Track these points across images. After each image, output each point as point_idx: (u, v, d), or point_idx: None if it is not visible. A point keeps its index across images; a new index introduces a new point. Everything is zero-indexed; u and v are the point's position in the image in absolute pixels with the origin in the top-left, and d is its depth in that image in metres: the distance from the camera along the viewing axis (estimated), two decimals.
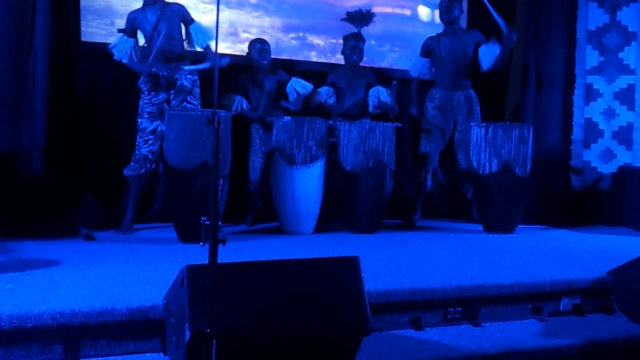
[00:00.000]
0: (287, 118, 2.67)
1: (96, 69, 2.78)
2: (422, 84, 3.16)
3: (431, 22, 3.36)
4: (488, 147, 2.79)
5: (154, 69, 2.49)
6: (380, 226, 2.78)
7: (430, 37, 3.03)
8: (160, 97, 2.53)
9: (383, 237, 2.63)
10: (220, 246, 1.15)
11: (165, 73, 2.52)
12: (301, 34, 2.99)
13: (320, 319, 1.30)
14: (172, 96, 2.55)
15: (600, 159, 3.30)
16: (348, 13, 2.98)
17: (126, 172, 2.52)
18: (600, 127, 3.31)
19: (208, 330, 1.12)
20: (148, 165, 2.52)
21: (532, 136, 2.83)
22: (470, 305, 1.75)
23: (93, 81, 2.76)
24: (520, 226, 2.88)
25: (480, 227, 2.89)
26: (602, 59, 3.28)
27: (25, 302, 1.43)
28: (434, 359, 1.49)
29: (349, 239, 2.56)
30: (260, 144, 2.79)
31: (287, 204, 2.63)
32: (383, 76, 3.13)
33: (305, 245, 2.36)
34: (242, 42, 2.87)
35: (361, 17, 2.96)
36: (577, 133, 3.28)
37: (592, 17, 3.27)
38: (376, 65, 3.14)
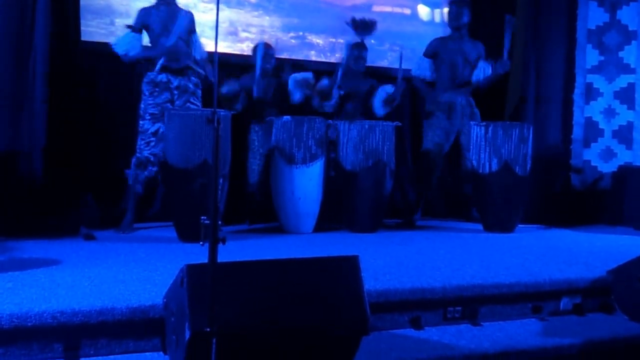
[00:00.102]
0: (287, 117, 2.67)
1: (96, 68, 2.78)
2: (425, 83, 3.17)
3: (431, 22, 3.37)
4: (488, 147, 2.79)
5: (163, 62, 2.45)
6: (380, 225, 2.78)
7: (437, 39, 3.04)
8: (163, 96, 2.53)
9: (383, 237, 2.63)
10: (220, 245, 1.15)
11: (176, 64, 2.50)
12: (301, 33, 3.00)
13: (319, 318, 1.30)
14: (176, 96, 2.55)
15: (601, 158, 3.30)
16: (353, 20, 2.97)
17: (130, 180, 2.52)
18: (601, 126, 3.31)
19: (208, 330, 1.12)
20: (150, 168, 2.51)
21: (532, 135, 2.83)
22: (470, 304, 1.75)
23: (93, 81, 2.76)
24: (520, 225, 2.88)
25: (480, 227, 2.89)
26: (602, 58, 3.28)
27: (25, 301, 1.43)
28: (434, 359, 1.49)
29: (348, 238, 2.56)
30: (258, 145, 2.79)
31: (286, 203, 2.63)
32: (383, 75, 3.13)
33: (304, 245, 2.36)
34: (241, 41, 2.87)
35: (364, 27, 2.96)
36: (577, 132, 3.28)
37: (592, 16, 3.27)
38: (376, 65, 3.14)
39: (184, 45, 2.56)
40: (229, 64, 2.86)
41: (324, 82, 2.85)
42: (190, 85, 2.59)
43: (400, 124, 2.87)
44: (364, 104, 3.00)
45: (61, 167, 2.50)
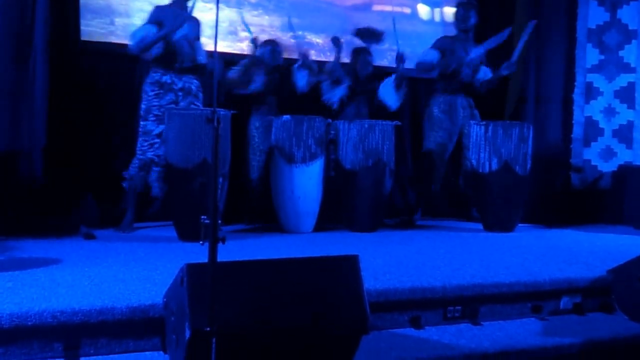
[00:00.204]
0: (286, 117, 2.67)
1: (96, 68, 2.78)
2: (424, 83, 3.17)
3: (430, 21, 3.36)
4: (488, 146, 2.79)
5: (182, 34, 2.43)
6: (379, 225, 2.78)
7: (447, 37, 3.03)
8: (167, 98, 2.53)
9: (382, 236, 2.63)
10: (219, 245, 1.15)
11: (186, 47, 2.49)
12: (300, 32, 2.99)
13: (319, 318, 1.30)
14: (180, 98, 2.56)
15: (601, 157, 3.30)
16: (358, 30, 2.97)
17: (125, 183, 2.50)
18: (601, 125, 3.31)
19: (208, 329, 1.12)
20: (154, 168, 2.50)
21: (532, 135, 2.83)
22: (470, 304, 1.75)
23: (93, 80, 2.76)
24: (520, 225, 2.88)
25: (480, 226, 2.89)
26: (602, 57, 3.28)
27: (25, 301, 1.44)
28: (434, 358, 1.49)
29: (348, 238, 2.56)
30: (259, 142, 2.79)
31: (286, 202, 2.63)
32: (382, 75, 3.12)
33: (304, 244, 2.36)
34: (241, 40, 2.87)
35: (371, 36, 2.95)
36: (577, 131, 3.28)
37: (593, 15, 3.26)
38: (376, 64, 3.14)
39: (188, 47, 2.56)
40: (228, 64, 2.86)
41: (331, 64, 2.86)
42: (193, 88, 2.60)
43: (400, 123, 2.87)
44: (368, 106, 2.98)
45: (61, 166, 2.50)
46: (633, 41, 3.25)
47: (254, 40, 2.82)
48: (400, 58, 2.88)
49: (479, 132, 2.83)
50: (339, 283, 1.34)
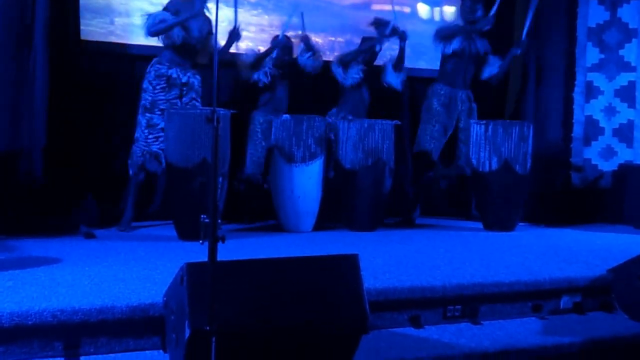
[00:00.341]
0: (286, 116, 2.67)
1: (96, 67, 2.78)
2: (424, 82, 3.17)
3: (430, 20, 3.36)
4: (488, 145, 2.79)
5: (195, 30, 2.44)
6: (379, 224, 2.78)
7: (456, 24, 3.04)
8: (173, 92, 2.53)
9: (382, 235, 2.63)
10: (219, 244, 1.15)
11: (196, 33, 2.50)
12: (300, 32, 2.99)
13: (319, 317, 1.30)
14: (184, 92, 2.56)
15: (601, 156, 3.30)
16: (377, 21, 2.96)
17: (132, 167, 2.51)
18: (601, 124, 3.30)
19: (208, 328, 1.12)
20: (160, 159, 2.50)
21: (532, 134, 2.83)
22: (470, 303, 1.75)
23: (93, 80, 2.75)
24: (520, 224, 2.88)
25: (480, 225, 2.88)
26: (602, 56, 3.27)
27: (25, 300, 1.44)
28: (434, 357, 1.49)
29: (348, 237, 2.56)
30: (262, 138, 2.78)
31: (286, 201, 2.63)
32: (379, 74, 3.12)
33: (304, 243, 2.36)
34: (240, 40, 2.86)
35: (388, 30, 2.94)
36: (577, 130, 3.27)
37: (593, 14, 3.26)
38: (375, 63, 3.13)
39: (198, 42, 2.56)
40: (228, 63, 2.86)
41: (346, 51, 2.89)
42: (196, 83, 2.60)
43: (399, 122, 2.87)
44: (369, 93, 2.98)
45: (61, 166, 2.50)
46: (633, 40, 3.25)
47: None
48: (402, 36, 2.88)
49: (479, 131, 2.83)
50: (338, 282, 1.34)
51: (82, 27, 2.70)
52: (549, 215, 3.03)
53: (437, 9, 3.39)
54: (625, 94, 3.27)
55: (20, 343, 1.37)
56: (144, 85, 2.56)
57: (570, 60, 3.25)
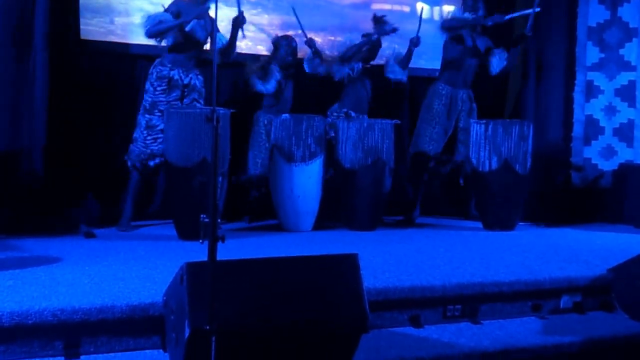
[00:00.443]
0: (286, 115, 2.67)
1: (96, 67, 2.78)
2: (424, 82, 3.17)
3: (430, 19, 3.36)
4: (488, 145, 2.79)
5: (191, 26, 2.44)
6: (379, 223, 2.78)
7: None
8: (174, 94, 2.54)
9: (382, 235, 2.63)
10: (219, 243, 1.15)
11: (200, 32, 2.51)
12: (299, 31, 2.99)
13: (319, 316, 1.30)
14: (185, 93, 2.56)
15: (601, 156, 3.29)
16: (377, 18, 2.97)
17: (130, 162, 2.51)
18: (601, 123, 3.30)
19: (207, 327, 1.13)
20: (157, 161, 2.51)
21: (532, 133, 2.83)
22: (470, 302, 1.75)
23: (93, 79, 2.76)
24: (520, 223, 2.88)
25: (479, 225, 2.88)
26: (602, 55, 3.27)
27: (26, 299, 1.44)
28: (433, 357, 1.49)
29: (347, 236, 2.56)
30: (266, 139, 2.78)
31: (286, 201, 2.63)
32: (381, 73, 3.12)
33: (304, 243, 2.36)
34: (240, 39, 2.86)
35: (389, 29, 2.94)
36: (577, 130, 3.27)
37: (593, 13, 3.25)
38: (375, 63, 3.13)
39: (204, 37, 2.56)
40: (228, 62, 2.86)
41: (343, 44, 2.88)
42: (198, 84, 2.61)
43: (399, 122, 2.87)
44: (369, 90, 2.98)
45: (61, 165, 2.50)
46: (634, 39, 3.24)
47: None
48: (415, 42, 2.90)
49: (479, 130, 2.82)
50: (338, 282, 1.34)
51: (82, 27, 2.70)
52: (549, 214, 3.03)
53: (436, 9, 3.39)
54: (626, 93, 3.26)
55: (20, 342, 1.37)
56: (146, 86, 2.57)
57: (570, 59, 3.24)
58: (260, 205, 2.83)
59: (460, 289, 1.74)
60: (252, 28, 3.01)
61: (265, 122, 2.79)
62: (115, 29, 2.82)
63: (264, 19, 3.07)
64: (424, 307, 1.70)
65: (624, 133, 3.28)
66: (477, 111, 3.05)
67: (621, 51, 3.26)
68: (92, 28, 2.77)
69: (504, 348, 1.57)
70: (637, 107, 3.26)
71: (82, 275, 1.70)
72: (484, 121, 2.85)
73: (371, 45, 2.94)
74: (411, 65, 3.08)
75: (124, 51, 2.83)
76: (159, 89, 2.54)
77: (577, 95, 3.26)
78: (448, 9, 3.41)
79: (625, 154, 3.27)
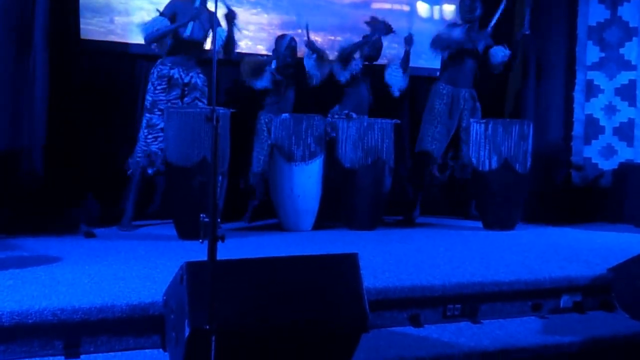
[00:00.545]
0: (285, 115, 2.67)
1: (96, 66, 2.78)
2: (424, 81, 3.16)
3: (430, 18, 3.35)
4: (488, 144, 2.79)
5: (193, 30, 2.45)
6: (379, 223, 2.78)
7: (455, 24, 3.03)
8: (174, 93, 2.54)
9: (382, 234, 2.63)
10: (219, 243, 1.15)
11: (198, 34, 2.51)
12: (299, 31, 2.99)
13: (319, 316, 1.30)
14: (186, 92, 2.56)
15: (601, 155, 3.29)
16: (373, 19, 2.96)
17: (131, 166, 2.52)
18: (601, 123, 3.30)
19: (207, 327, 1.13)
20: (158, 162, 2.51)
21: (532, 132, 2.83)
22: (470, 302, 1.75)
23: (93, 79, 2.75)
24: (520, 223, 2.88)
25: (479, 224, 2.88)
26: (602, 54, 3.27)
27: (26, 299, 1.44)
28: (433, 356, 1.49)
29: (347, 236, 2.56)
30: (267, 137, 2.78)
31: (285, 200, 2.63)
32: (381, 73, 3.12)
33: (304, 242, 2.37)
34: (240, 39, 2.86)
35: (384, 29, 2.94)
36: (577, 129, 3.27)
37: (593, 13, 3.25)
38: (376, 63, 3.13)
39: (202, 37, 2.56)
40: (227, 62, 2.86)
41: (343, 44, 2.87)
42: (199, 83, 2.60)
43: (399, 121, 2.87)
44: (370, 94, 2.98)
45: (61, 165, 2.50)
46: (634, 38, 3.24)
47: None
48: (408, 40, 2.88)
49: (478, 130, 2.82)
50: (338, 281, 1.34)
51: (82, 26, 2.70)
52: (549, 214, 3.03)
53: (436, 8, 3.38)
54: (626, 92, 3.26)
55: (20, 342, 1.37)
56: (148, 86, 2.58)
57: (570, 58, 3.24)
58: (258, 204, 2.83)
59: (460, 289, 1.74)
60: (252, 27, 3.01)
61: (267, 120, 2.78)
62: (115, 28, 2.82)
63: (264, 18, 3.07)
64: (423, 306, 1.70)
65: (624, 132, 3.27)
66: (480, 109, 3.02)
67: (621, 50, 3.26)
68: (92, 28, 2.77)
69: (503, 347, 1.57)
70: (637, 106, 3.25)
71: (82, 275, 1.70)
72: (483, 120, 2.85)
73: (371, 45, 2.94)
74: (411, 64, 3.08)
75: (124, 51, 2.82)
76: (159, 87, 2.54)
77: (577, 95, 3.25)
78: (448, 8, 3.40)
79: (625, 154, 3.27)
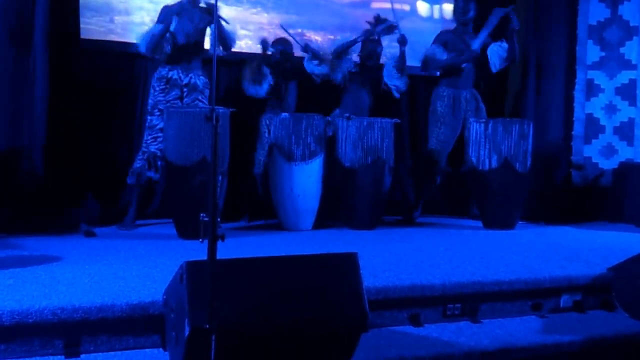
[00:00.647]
0: (285, 114, 2.67)
1: (96, 66, 2.78)
2: (424, 80, 3.16)
3: (430, 18, 3.35)
4: (488, 143, 2.78)
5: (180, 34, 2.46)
6: (379, 222, 2.78)
7: (448, 31, 3.03)
8: (173, 93, 2.55)
9: (382, 233, 2.63)
10: (219, 242, 1.15)
11: (191, 29, 2.52)
12: (299, 30, 2.99)
13: (319, 315, 1.30)
14: (185, 93, 2.57)
15: (602, 154, 3.29)
16: (375, 19, 2.95)
17: (129, 178, 2.54)
18: (602, 122, 3.30)
19: (207, 326, 1.13)
20: (159, 163, 2.52)
21: (532, 132, 2.82)
22: (470, 301, 1.75)
23: (93, 78, 2.76)
24: (520, 222, 2.87)
25: (479, 224, 2.88)
26: (603, 54, 3.27)
27: (26, 298, 1.44)
28: (433, 355, 1.49)
29: (347, 235, 2.56)
30: (268, 138, 2.78)
31: (285, 200, 2.63)
32: (380, 73, 3.11)
33: (303, 242, 2.37)
34: (240, 38, 2.86)
35: (384, 28, 2.93)
36: (577, 128, 3.27)
37: (593, 12, 3.25)
38: (374, 63, 3.12)
39: (199, 43, 2.57)
40: (228, 62, 2.86)
41: (340, 42, 2.86)
42: (199, 84, 2.61)
43: (399, 120, 2.86)
44: (371, 96, 2.98)
45: (61, 164, 2.51)
46: (634, 38, 3.24)
47: (263, 42, 2.81)
48: (402, 41, 2.87)
49: (478, 129, 2.82)
50: (338, 281, 1.34)
51: (81, 26, 2.70)
52: (549, 213, 3.02)
53: (436, 7, 3.38)
54: (626, 92, 3.26)
55: (20, 341, 1.37)
56: (150, 90, 2.60)
57: (570, 58, 3.24)
58: (260, 204, 2.83)
59: (460, 288, 1.74)
60: (251, 27, 3.01)
61: (267, 122, 2.79)
62: (115, 27, 2.82)
63: (264, 17, 3.07)
64: (423, 306, 1.70)
65: (625, 132, 3.27)
66: (485, 110, 3.01)
67: (622, 50, 3.25)
68: (92, 27, 2.77)
69: (503, 347, 1.57)
70: (637, 105, 3.25)
71: (82, 274, 1.70)
72: (483, 120, 2.85)
73: (366, 40, 2.91)
74: (410, 64, 3.08)
75: (124, 50, 2.83)
76: (158, 89, 2.56)
77: (578, 94, 3.25)
78: (448, 7, 3.40)
79: (625, 153, 3.27)
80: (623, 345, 1.70)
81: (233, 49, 2.80)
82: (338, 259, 1.38)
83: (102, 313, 1.41)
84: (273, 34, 2.99)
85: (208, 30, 2.62)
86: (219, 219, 1.16)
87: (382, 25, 2.92)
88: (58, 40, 2.51)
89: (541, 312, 1.83)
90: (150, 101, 2.57)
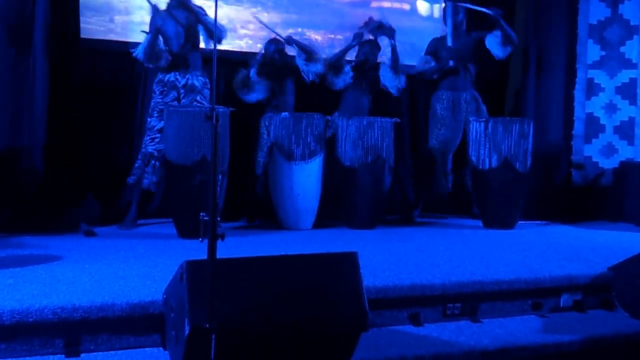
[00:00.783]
0: (285, 114, 2.67)
1: (96, 65, 2.78)
2: (423, 80, 3.16)
3: (430, 17, 3.35)
4: (488, 142, 2.78)
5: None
6: (378, 222, 2.78)
7: (436, 38, 3.04)
8: (171, 95, 2.57)
9: (382, 233, 2.63)
10: (219, 241, 1.15)
11: (184, 21, 2.54)
12: (299, 29, 2.99)
13: (319, 315, 1.31)
14: (182, 94, 2.58)
15: (602, 154, 3.29)
16: (376, 23, 2.96)
17: (130, 178, 2.55)
18: (602, 121, 3.30)
19: (207, 325, 1.13)
20: (153, 162, 2.53)
21: (532, 131, 2.82)
22: (470, 301, 1.75)
23: (93, 78, 2.76)
24: (520, 222, 2.87)
25: (479, 223, 2.88)
26: (603, 53, 3.26)
27: (26, 297, 1.44)
28: (433, 355, 1.49)
29: (347, 235, 2.56)
30: (267, 139, 2.79)
31: (285, 199, 2.63)
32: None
33: (303, 241, 2.37)
34: (240, 38, 2.87)
35: (373, 28, 2.93)
36: (578, 128, 3.27)
37: (594, 11, 3.25)
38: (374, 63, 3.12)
39: (194, 46, 2.59)
40: (228, 61, 2.86)
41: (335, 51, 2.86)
42: (197, 84, 2.61)
43: (399, 120, 2.86)
44: (370, 97, 2.97)
45: (61, 164, 2.51)
46: (635, 37, 3.23)
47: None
48: (390, 34, 2.86)
49: (478, 128, 2.82)
50: (338, 280, 1.34)
51: (81, 26, 2.70)
52: (549, 213, 3.03)
53: (436, 6, 3.38)
54: (627, 91, 3.26)
55: (21, 340, 1.37)
56: (150, 92, 2.63)
57: (571, 57, 3.23)
58: (260, 203, 2.83)
59: (460, 288, 1.74)
60: (251, 26, 3.01)
61: (267, 123, 2.79)
62: (115, 27, 2.82)
63: (264, 17, 3.07)
64: (423, 305, 1.70)
65: (625, 131, 3.27)
66: (485, 111, 3.00)
67: (622, 49, 3.25)
68: (92, 27, 2.77)
69: (503, 346, 1.57)
70: (638, 104, 3.25)
71: (83, 274, 1.70)
72: (483, 119, 2.85)
73: (363, 43, 2.91)
74: (410, 63, 3.08)
75: (124, 50, 2.83)
76: (157, 91, 2.59)
77: (578, 93, 3.25)
78: None
79: (625, 152, 3.26)
80: (623, 344, 1.69)
81: (233, 49, 2.80)
82: (338, 258, 1.38)
83: (103, 312, 1.42)
84: (273, 33, 2.99)
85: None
86: (219, 219, 1.16)
87: (370, 25, 2.91)
88: (58, 40, 2.51)
89: (541, 312, 1.83)
90: (152, 103, 2.61)
